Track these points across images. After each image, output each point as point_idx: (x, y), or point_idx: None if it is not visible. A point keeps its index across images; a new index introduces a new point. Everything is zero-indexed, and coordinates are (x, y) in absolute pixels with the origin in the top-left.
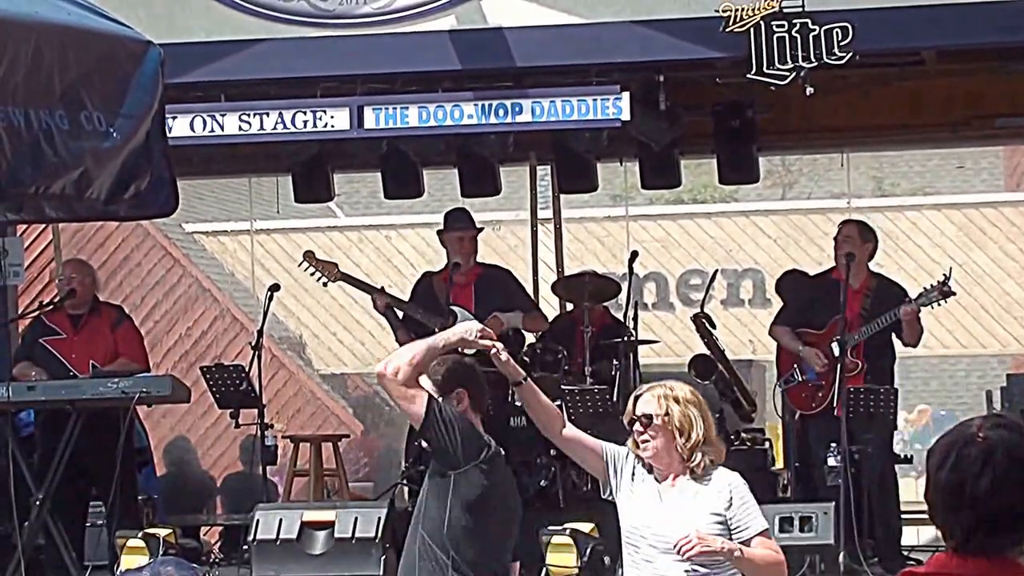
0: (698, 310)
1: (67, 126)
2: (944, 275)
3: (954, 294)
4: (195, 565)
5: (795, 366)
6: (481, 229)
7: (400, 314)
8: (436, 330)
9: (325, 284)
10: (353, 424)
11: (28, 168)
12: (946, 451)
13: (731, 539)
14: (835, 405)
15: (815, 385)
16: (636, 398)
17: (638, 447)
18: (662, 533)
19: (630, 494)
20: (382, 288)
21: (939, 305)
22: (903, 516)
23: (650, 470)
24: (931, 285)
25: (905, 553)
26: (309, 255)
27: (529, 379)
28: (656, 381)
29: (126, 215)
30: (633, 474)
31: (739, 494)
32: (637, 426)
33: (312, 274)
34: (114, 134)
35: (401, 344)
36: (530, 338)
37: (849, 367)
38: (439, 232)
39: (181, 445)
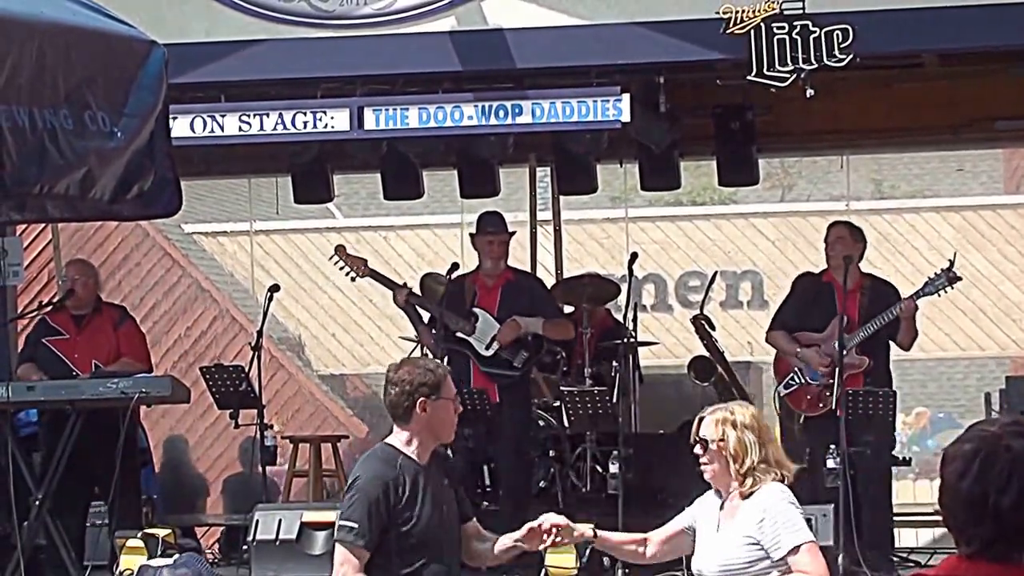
0: (697, 312)
1: (71, 126)
2: (949, 260)
3: (960, 279)
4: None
5: (796, 369)
6: (513, 233)
7: (424, 314)
8: (455, 332)
9: (353, 279)
10: (351, 425)
11: (33, 168)
12: (969, 460)
13: (768, 558)
14: (836, 406)
15: (820, 386)
16: (700, 420)
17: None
18: (707, 569)
19: (699, 537)
20: (405, 284)
21: (947, 292)
22: (901, 518)
23: (717, 493)
24: (937, 272)
25: (903, 555)
26: (340, 249)
27: (597, 531)
28: (721, 403)
29: (130, 215)
30: (705, 511)
31: (771, 512)
32: (697, 448)
33: (341, 268)
34: (118, 134)
35: (423, 341)
36: None
37: (856, 364)
38: (471, 235)
39: (176, 445)
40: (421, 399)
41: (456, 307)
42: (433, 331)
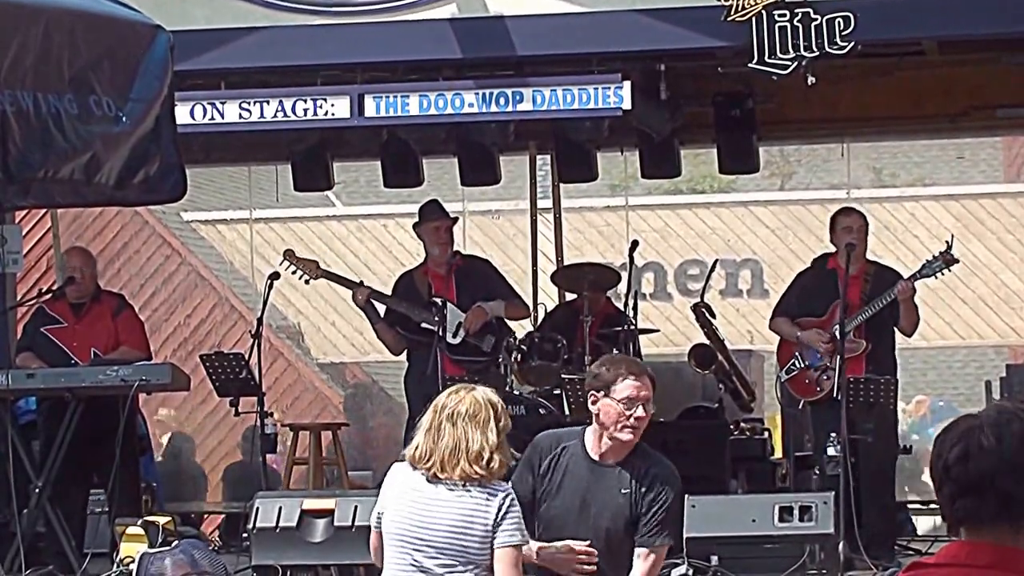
0: (697, 300)
1: (76, 110)
2: (946, 243)
3: (958, 261)
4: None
5: (796, 353)
6: (456, 219)
7: (381, 309)
8: (420, 323)
9: (307, 282)
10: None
11: (37, 152)
12: (946, 431)
13: None
14: (836, 392)
15: (818, 369)
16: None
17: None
18: None
19: None
20: (361, 282)
21: (943, 274)
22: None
23: None
24: (934, 255)
25: (903, 543)
26: (289, 253)
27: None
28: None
29: (135, 200)
30: None
31: None
32: None
33: (294, 272)
34: (123, 119)
35: (381, 338)
36: (526, 326)
37: (852, 347)
38: (414, 226)
39: (175, 434)
40: (592, 392)
41: (414, 299)
42: (397, 327)
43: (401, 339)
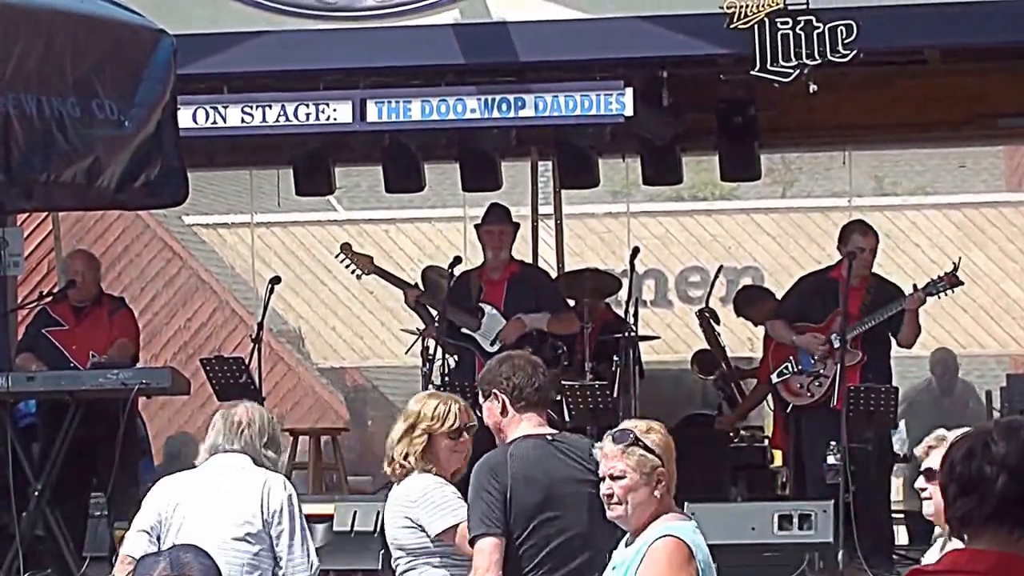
0: (700, 306)
1: (79, 114)
2: (953, 264)
3: (962, 283)
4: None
5: (790, 358)
6: (517, 225)
7: (433, 311)
8: (460, 328)
9: (359, 277)
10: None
11: (39, 156)
12: (965, 432)
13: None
14: (835, 400)
15: (810, 375)
16: None
17: None
18: None
19: None
20: (415, 284)
21: (946, 295)
22: (897, 515)
23: None
24: (940, 275)
25: (902, 552)
26: (346, 247)
27: None
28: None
29: (136, 204)
30: None
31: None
32: None
33: (347, 266)
34: (126, 123)
35: (432, 338)
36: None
37: (848, 357)
38: (476, 227)
39: (176, 437)
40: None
41: (463, 302)
42: (464, 329)
43: (446, 342)
